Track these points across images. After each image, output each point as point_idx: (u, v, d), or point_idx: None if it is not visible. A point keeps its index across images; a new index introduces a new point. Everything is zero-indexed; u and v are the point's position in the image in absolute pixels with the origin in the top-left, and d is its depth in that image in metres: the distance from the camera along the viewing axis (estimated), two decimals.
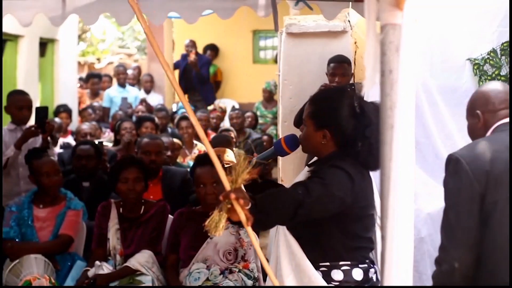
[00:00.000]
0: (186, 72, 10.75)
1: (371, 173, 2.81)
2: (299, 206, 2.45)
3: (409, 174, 1.46)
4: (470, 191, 2.58)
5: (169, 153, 5.72)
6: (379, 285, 2.74)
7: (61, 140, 7.61)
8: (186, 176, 5.07)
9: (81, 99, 10.48)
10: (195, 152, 6.89)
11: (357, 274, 2.69)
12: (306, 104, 2.88)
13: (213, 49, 12.02)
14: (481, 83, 4.12)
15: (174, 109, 10.50)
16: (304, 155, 2.91)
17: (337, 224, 2.65)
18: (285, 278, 2.74)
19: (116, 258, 4.12)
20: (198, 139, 6.99)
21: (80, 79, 11.43)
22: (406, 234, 1.46)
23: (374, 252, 2.87)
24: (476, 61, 4.12)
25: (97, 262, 4.06)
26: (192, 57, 10.50)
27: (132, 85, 10.54)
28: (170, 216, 4.30)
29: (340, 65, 4.45)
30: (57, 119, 8.04)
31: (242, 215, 2.30)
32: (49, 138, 4.97)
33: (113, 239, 4.16)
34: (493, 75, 4.11)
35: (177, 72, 11.08)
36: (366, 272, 2.71)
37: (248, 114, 9.08)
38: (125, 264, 4.02)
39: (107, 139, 7.34)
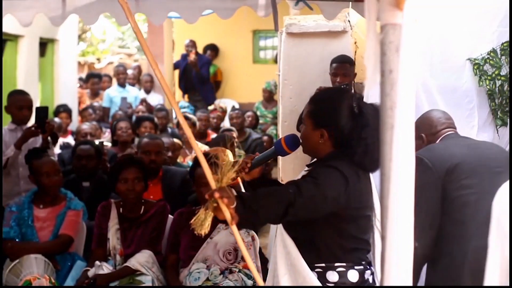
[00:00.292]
0: (186, 72, 10.75)
1: (372, 174, 2.81)
2: (289, 205, 2.43)
3: (409, 174, 1.46)
4: (433, 182, 3.07)
5: (170, 154, 5.72)
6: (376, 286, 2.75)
7: (61, 140, 7.60)
8: (186, 176, 5.06)
9: (81, 99, 10.46)
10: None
11: (353, 275, 2.67)
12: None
13: (213, 49, 12.02)
14: (481, 83, 4.12)
15: None
16: (304, 155, 2.90)
17: (332, 225, 2.64)
18: (280, 277, 2.74)
19: (116, 258, 4.13)
20: (198, 139, 6.99)
21: (80, 79, 11.42)
22: (406, 234, 1.46)
23: (372, 253, 2.86)
24: (476, 61, 4.12)
25: (97, 262, 4.07)
26: (192, 57, 10.50)
27: (132, 85, 10.52)
28: (170, 216, 4.31)
29: (342, 65, 4.45)
30: (57, 119, 8.03)
31: (227, 214, 2.31)
32: (49, 138, 4.97)
33: (113, 239, 4.16)
34: (493, 75, 4.10)
35: (177, 72, 11.09)
36: (362, 273, 2.69)
37: (249, 114, 9.04)
38: (125, 264, 4.03)
39: (107, 139, 7.33)
